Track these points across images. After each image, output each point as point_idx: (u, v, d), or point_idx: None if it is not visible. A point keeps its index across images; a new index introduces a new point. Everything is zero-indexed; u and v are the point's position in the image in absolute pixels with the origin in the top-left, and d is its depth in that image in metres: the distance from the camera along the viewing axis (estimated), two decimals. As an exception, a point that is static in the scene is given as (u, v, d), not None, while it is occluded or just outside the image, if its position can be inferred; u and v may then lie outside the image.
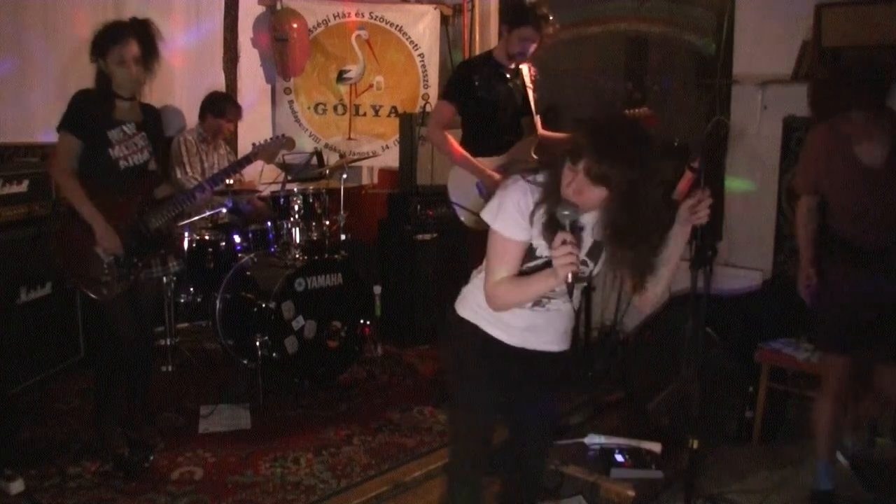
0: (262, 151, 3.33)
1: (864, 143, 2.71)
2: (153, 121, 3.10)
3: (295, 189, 4.22)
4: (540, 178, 1.98)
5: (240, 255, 4.24)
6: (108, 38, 2.85)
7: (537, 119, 3.71)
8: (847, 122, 2.69)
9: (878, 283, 2.72)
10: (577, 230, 1.91)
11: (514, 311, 2.09)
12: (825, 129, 2.80)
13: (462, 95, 3.56)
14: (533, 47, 3.49)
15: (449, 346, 2.29)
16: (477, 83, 3.53)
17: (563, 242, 1.80)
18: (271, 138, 3.43)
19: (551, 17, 3.45)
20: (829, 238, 2.89)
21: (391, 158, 5.34)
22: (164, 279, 3.72)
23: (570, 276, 1.82)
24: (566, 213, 1.84)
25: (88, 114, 2.88)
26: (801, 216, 2.97)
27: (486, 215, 2.02)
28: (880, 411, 3.31)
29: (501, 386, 2.23)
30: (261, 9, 5.33)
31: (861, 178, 2.72)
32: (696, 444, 2.63)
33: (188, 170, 4.42)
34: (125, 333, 3.01)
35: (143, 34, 2.89)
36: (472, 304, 2.18)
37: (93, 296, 2.95)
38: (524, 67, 3.66)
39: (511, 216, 1.96)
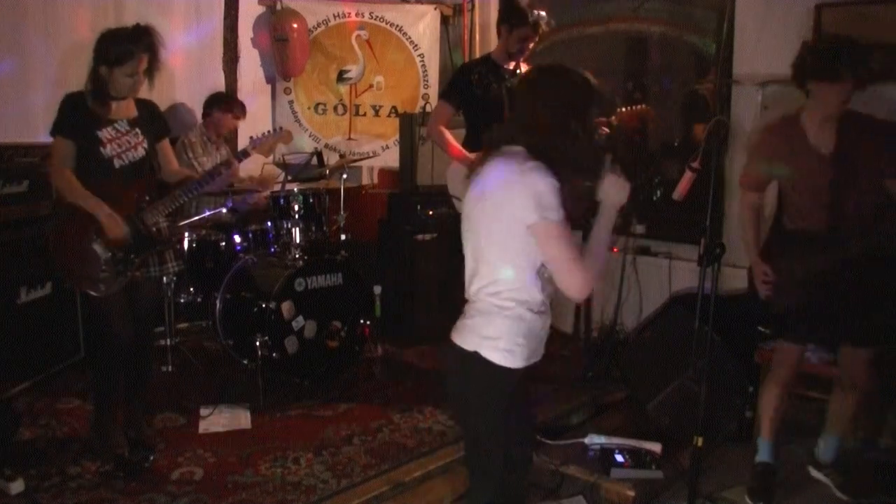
0: (260, 144, 3.34)
1: (817, 132, 2.83)
2: (148, 115, 3.09)
3: (295, 189, 4.21)
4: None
5: (240, 255, 4.23)
6: (121, 53, 2.83)
7: None
8: (798, 116, 2.86)
9: (834, 267, 2.81)
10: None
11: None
12: (781, 125, 2.94)
13: (459, 95, 3.69)
14: (531, 45, 3.66)
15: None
16: (474, 83, 3.65)
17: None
18: (268, 131, 3.43)
19: (548, 17, 3.63)
20: (781, 230, 3.00)
21: (391, 158, 5.34)
22: (164, 279, 3.72)
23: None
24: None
25: (77, 116, 2.90)
26: (747, 214, 3.08)
27: (549, 214, 1.94)
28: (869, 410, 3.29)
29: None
30: (261, 9, 5.34)
31: (817, 167, 2.81)
32: (700, 443, 2.63)
33: (199, 171, 4.38)
34: (122, 332, 3.01)
35: (151, 46, 2.89)
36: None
37: (91, 293, 2.95)
38: (524, 66, 3.71)
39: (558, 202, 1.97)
